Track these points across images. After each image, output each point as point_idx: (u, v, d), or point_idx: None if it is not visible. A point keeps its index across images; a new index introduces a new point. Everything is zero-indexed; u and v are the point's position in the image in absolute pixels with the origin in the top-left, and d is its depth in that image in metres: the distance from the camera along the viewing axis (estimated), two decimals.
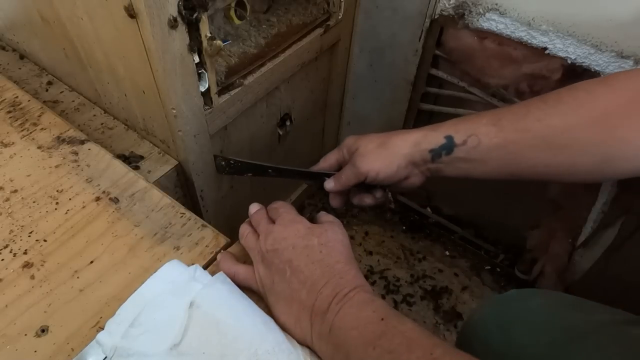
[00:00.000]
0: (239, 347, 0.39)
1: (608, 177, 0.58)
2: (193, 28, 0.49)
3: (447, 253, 1.02)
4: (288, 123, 0.79)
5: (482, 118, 0.50)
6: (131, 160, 0.61)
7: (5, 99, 0.65)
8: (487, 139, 0.49)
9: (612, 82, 0.46)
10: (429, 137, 0.51)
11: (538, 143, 0.47)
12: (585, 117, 0.45)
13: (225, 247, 0.51)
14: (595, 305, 0.47)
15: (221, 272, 0.45)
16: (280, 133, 0.79)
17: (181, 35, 0.48)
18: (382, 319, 0.37)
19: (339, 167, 0.57)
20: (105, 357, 0.40)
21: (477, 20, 0.65)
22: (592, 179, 0.51)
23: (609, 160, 0.46)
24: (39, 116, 0.63)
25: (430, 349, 0.34)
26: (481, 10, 0.64)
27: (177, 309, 0.41)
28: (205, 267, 0.47)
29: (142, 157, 0.61)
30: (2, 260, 0.48)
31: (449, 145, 0.50)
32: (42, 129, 0.61)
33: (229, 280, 0.45)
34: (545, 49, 0.61)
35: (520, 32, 0.62)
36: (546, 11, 0.59)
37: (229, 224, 0.79)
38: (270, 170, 0.61)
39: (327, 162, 0.58)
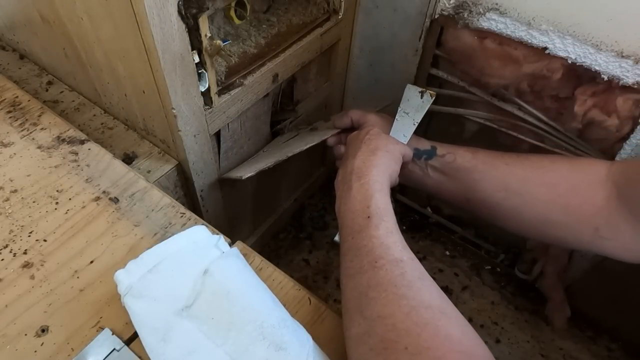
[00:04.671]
0: (246, 318, 0.41)
1: (545, 238, 0.59)
2: (193, 28, 0.49)
3: (447, 253, 1.02)
4: (288, 123, 0.79)
5: (464, 147, 0.61)
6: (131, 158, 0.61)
7: (5, 99, 0.65)
8: (461, 160, 0.59)
9: (574, 165, 0.55)
10: (421, 142, 0.64)
11: (498, 181, 0.56)
12: (541, 179, 0.55)
13: None
14: None
15: (236, 248, 0.49)
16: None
17: (181, 35, 0.48)
18: (369, 217, 0.46)
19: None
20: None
21: (477, 20, 0.64)
22: (530, 233, 0.59)
23: (547, 222, 0.54)
24: (39, 116, 0.63)
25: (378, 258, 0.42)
26: (481, 10, 0.64)
27: (194, 269, 0.44)
28: None
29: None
30: (2, 260, 0.48)
31: (431, 152, 0.62)
32: (42, 129, 0.61)
33: (242, 256, 0.48)
34: (546, 48, 0.61)
35: (520, 32, 0.62)
36: (546, 11, 0.59)
37: (229, 224, 0.79)
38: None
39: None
